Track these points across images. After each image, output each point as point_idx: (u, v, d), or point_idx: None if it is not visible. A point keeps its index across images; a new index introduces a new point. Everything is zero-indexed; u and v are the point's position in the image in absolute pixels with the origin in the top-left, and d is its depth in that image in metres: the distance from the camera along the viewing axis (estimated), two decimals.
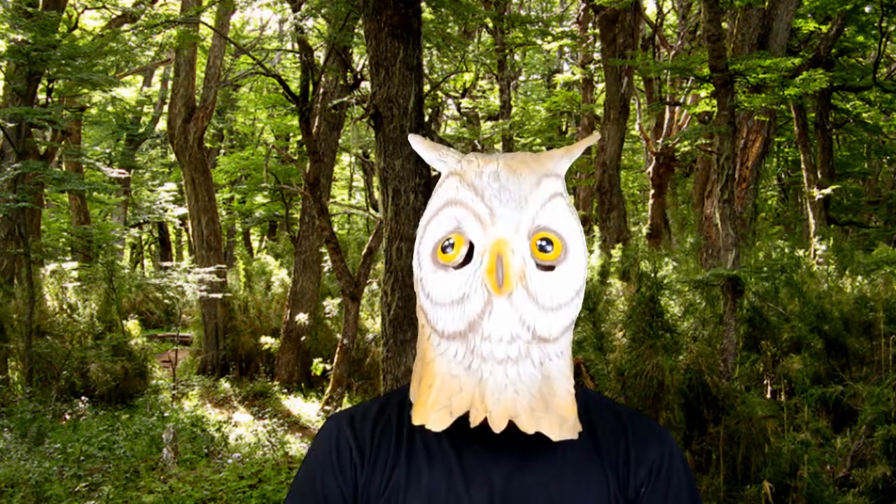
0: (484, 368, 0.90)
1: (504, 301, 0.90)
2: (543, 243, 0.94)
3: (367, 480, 1.00)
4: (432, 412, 0.91)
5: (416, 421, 0.92)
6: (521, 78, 20.23)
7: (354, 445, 1.02)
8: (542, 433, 0.90)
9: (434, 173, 7.84)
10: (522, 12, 16.01)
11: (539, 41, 14.01)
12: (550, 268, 0.94)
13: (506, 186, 0.94)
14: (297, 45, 10.10)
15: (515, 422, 0.89)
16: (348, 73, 9.17)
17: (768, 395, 5.56)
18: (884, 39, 10.96)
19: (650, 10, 15.13)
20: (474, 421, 0.90)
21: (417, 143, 1.06)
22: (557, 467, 0.97)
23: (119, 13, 13.15)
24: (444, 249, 0.95)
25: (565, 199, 0.99)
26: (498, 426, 0.89)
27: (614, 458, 1.00)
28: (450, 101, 13.48)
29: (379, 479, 0.99)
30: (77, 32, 11.92)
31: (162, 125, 18.92)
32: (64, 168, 14.59)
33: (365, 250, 9.26)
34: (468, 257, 0.94)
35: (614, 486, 0.98)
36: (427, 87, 9.53)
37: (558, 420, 0.91)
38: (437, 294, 0.94)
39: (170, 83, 14.88)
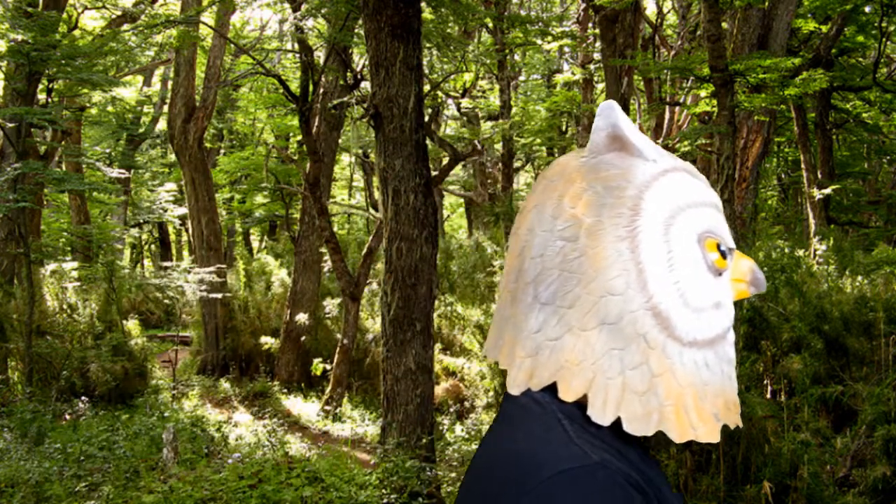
0: (732, 373, 0.90)
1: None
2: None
3: None
4: (704, 425, 0.85)
5: (684, 439, 0.82)
6: (521, 78, 20.22)
7: None
8: None
9: (434, 173, 7.84)
10: (522, 12, 16.01)
11: (539, 41, 14.00)
12: None
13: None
14: (297, 45, 10.11)
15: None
16: (348, 73, 9.17)
17: (768, 395, 5.56)
18: (884, 39, 10.96)
19: (650, 10, 15.12)
20: (733, 424, 0.88)
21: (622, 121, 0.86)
22: None
23: (119, 13, 13.16)
24: (723, 254, 0.88)
25: None
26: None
27: None
28: (450, 101, 13.48)
29: None
30: (77, 32, 11.91)
31: (162, 125, 18.92)
32: (64, 168, 14.58)
33: (365, 250, 9.27)
34: None
35: None
36: (427, 87, 9.52)
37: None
38: (697, 299, 0.85)
39: (170, 83, 14.89)
